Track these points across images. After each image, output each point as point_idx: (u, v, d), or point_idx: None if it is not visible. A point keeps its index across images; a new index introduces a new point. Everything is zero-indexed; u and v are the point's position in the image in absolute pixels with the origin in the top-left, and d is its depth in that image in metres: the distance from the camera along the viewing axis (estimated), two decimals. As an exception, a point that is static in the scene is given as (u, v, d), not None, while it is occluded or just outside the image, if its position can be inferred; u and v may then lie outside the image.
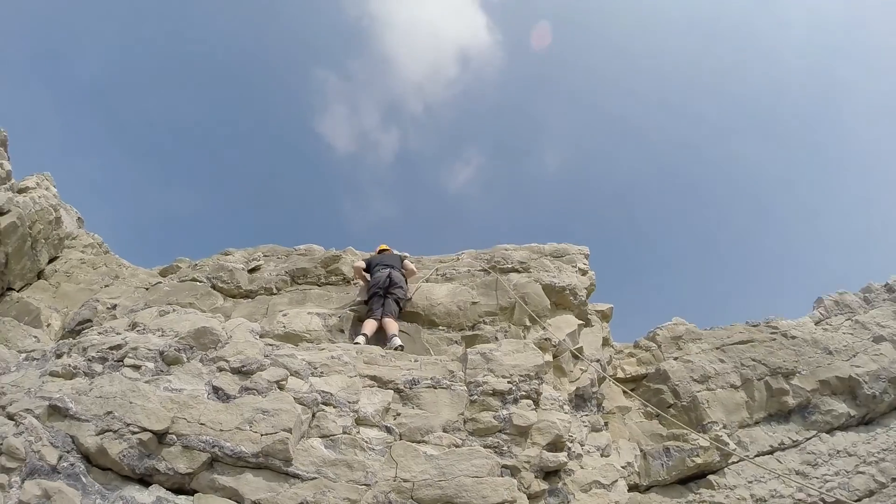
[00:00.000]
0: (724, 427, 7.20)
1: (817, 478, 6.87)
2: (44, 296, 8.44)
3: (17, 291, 8.31)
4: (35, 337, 7.33)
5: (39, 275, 8.87)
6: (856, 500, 6.67)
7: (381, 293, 6.51)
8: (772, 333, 8.51)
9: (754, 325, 8.87)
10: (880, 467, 6.99)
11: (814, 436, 7.36)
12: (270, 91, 49.84)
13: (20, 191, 8.81)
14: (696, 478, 6.89)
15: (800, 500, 6.62)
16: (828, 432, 7.45)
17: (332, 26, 48.65)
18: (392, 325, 6.17)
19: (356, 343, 5.79)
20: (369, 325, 6.20)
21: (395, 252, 7.63)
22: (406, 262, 7.39)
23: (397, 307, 6.47)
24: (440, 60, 49.86)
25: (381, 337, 6.33)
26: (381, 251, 7.70)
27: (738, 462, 6.96)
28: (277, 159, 51.19)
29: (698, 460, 6.75)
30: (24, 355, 5.91)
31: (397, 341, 5.89)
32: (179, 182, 48.49)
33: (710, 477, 6.80)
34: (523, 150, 50.59)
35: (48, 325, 7.85)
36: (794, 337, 8.40)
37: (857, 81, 41.88)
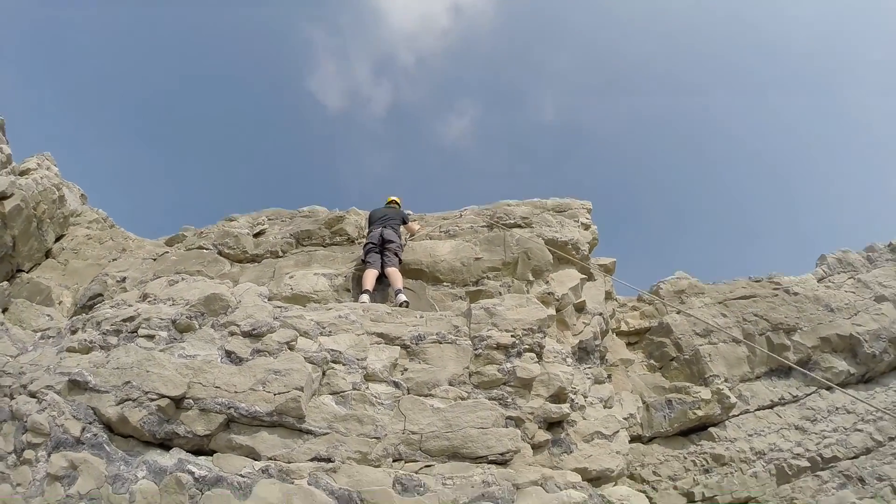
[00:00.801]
0: (726, 381, 7.27)
1: (816, 433, 6.93)
2: (53, 274, 8.51)
3: (27, 272, 8.39)
4: (48, 315, 7.45)
5: (47, 254, 8.93)
6: (853, 457, 6.73)
7: (377, 250, 6.66)
8: (774, 289, 8.49)
9: (757, 281, 8.85)
10: (878, 426, 7.01)
11: (813, 392, 7.41)
12: (259, 51, 48.58)
13: (22, 173, 8.79)
14: (697, 430, 7.03)
15: (798, 454, 6.72)
16: (827, 389, 7.44)
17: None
18: (397, 278, 6.26)
19: (361, 302, 5.85)
20: (370, 276, 6.28)
21: (398, 208, 7.72)
22: (411, 224, 7.50)
23: (397, 258, 6.59)
24: (432, 10, 48.38)
25: (381, 288, 6.42)
26: (387, 204, 7.87)
27: (738, 415, 7.09)
28: (269, 121, 50.32)
29: (699, 413, 6.87)
30: (39, 334, 6.04)
31: (402, 297, 5.97)
32: (171, 151, 47.88)
33: (711, 429, 6.93)
34: (519, 99, 49.33)
35: (60, 303, 7.97)
36: (796, 293, 8.36)
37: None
